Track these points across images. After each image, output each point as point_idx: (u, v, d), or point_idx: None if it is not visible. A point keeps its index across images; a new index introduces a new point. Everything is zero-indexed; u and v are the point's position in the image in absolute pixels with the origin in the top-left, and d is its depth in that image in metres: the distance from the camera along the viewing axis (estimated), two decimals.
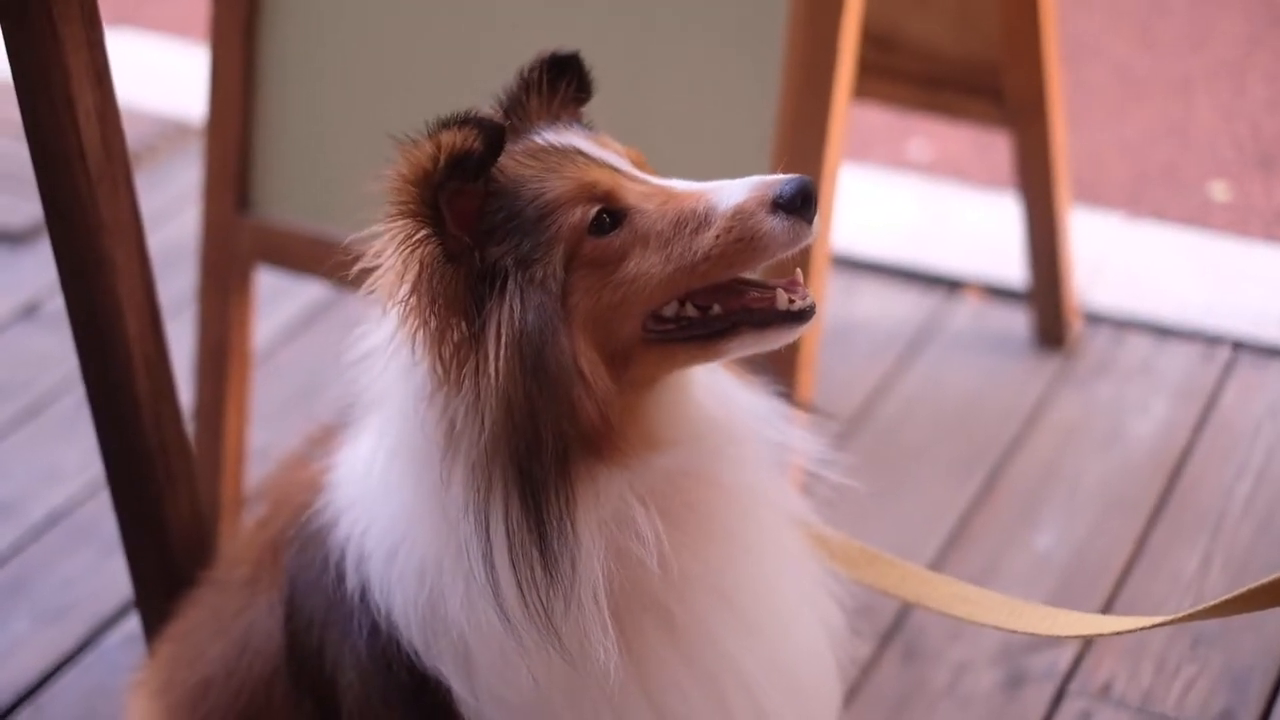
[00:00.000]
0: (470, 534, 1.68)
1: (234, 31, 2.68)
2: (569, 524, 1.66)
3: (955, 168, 4.06)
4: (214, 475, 2.88)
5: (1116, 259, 3.64)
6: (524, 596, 1.68)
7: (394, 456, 1.77)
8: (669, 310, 1.70)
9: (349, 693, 1.87)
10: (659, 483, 1.73)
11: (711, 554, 1.78)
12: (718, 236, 1.67)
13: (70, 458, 3.18)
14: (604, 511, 1.70)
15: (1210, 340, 3.39)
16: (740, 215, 1.67)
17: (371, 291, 1.71)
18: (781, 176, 1.68)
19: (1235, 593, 1.74)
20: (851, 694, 2.64)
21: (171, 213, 3.84)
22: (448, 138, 1.64)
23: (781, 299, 1.71)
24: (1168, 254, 3.68)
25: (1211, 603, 1.77)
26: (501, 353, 1.64)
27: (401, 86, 2.62)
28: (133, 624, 2.71)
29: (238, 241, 2.77)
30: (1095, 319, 3.46)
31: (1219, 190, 3.95)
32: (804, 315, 1.71)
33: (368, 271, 1.71)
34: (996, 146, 3.76)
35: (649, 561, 1.71)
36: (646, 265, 1.68)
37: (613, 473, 1.69)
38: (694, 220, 1.68)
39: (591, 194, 1.69)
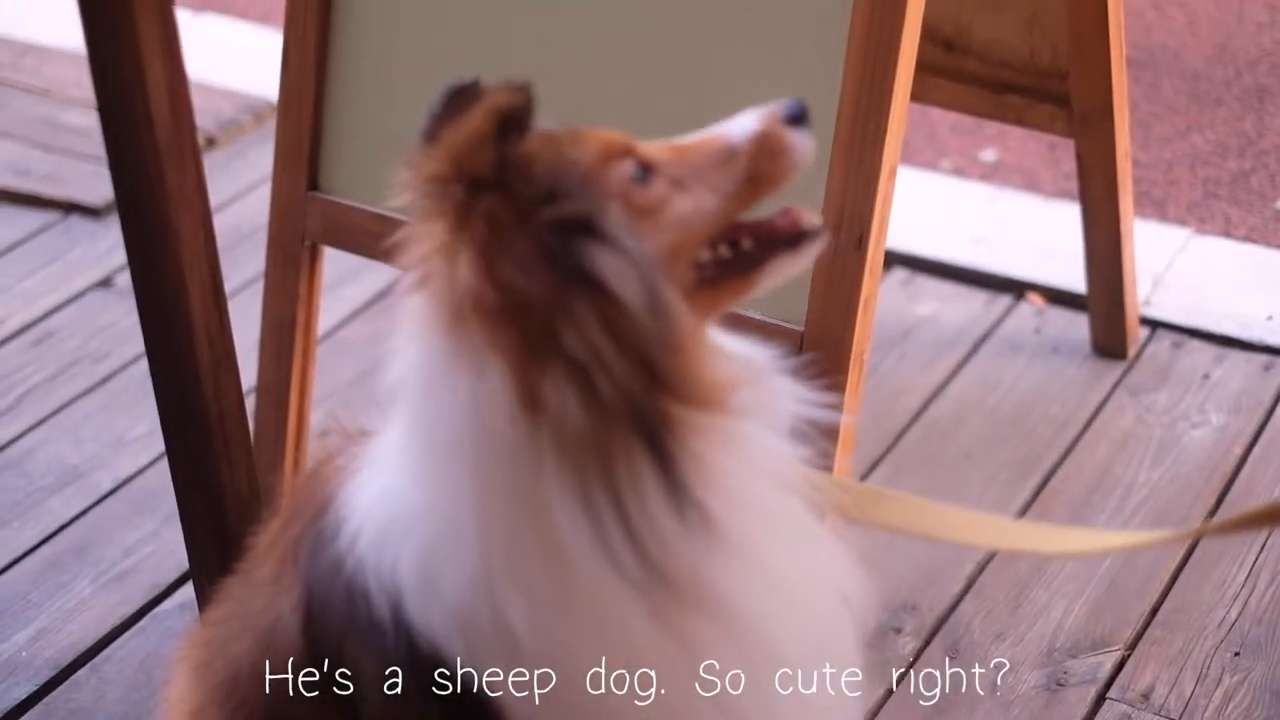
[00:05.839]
0: (578, 514, 1.62)
1: (309, 11, 2.72)
2: (695, 464, 1.65)
3: (1026, 175, 4.06)
4: (276, 453, 2.93)
5: (1181, 269, 3.64)
6: (654, 549, 1.63)
7: (440, 461, 1.69)
8: (705, 256, 1.76)
9: (365, 705, 1.82)
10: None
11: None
12: (750, 158, 1.77)
13: (139, 428, 3.25)
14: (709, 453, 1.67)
15: (1271, 353, 3.39)
16: (763, 137, 1.78)
17: (415, 279, 1.66)
18: (772, 103, 1.80)
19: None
20: (892, 691, 2.65)
21: (252, 188, 3.91)
22: (493, 98, 1.66)
23: (804, 217, 1.82)
24: (1232, 267, 3.67)
25: (1237, 516, 1.75)
26: (628, 298, 1.61)
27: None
28: (188, 592, 2.77)
29: (306, 220, 2.82)
30: (1156, 328, 3.46)
31: None
32: (822, 231, 1.82)
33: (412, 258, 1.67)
34: (1069, 154, 3.75)
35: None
36: (692, 204, 1.75)
37: (695, 417, 1.67)
38: (721, 155, 1.78)
39: (620, 151, 1.74)
